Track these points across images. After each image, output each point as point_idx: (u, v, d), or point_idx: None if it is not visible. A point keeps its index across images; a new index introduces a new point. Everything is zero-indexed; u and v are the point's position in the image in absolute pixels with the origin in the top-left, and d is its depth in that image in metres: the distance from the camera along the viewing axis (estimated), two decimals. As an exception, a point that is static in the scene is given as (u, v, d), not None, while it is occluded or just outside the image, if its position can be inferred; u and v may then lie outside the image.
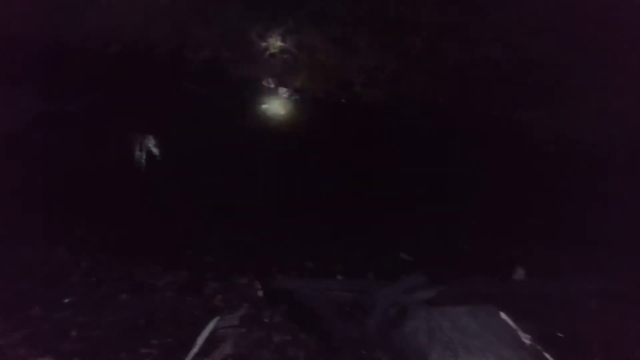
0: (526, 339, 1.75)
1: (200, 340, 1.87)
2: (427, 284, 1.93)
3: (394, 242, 2.46)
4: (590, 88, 3.64)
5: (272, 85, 4.21)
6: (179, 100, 3.99)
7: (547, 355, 1.71)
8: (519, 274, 2.24)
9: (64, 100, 3.43)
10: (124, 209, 2.62)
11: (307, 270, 2.34)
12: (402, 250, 2.48)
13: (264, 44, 4.39)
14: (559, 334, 1.92)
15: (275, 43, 4.36)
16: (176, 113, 3.73)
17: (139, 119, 3.45)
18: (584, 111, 3.51)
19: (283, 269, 2.24)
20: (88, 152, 3.10)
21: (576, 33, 3.78)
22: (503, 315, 1.80)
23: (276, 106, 3.96)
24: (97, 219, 2.54)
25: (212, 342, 1.85)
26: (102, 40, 4.12)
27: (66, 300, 2.06)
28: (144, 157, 3.13)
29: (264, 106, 4.07)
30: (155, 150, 3.16)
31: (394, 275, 2.12)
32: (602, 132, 3.41)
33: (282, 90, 4.15)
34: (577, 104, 3.57)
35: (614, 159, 3.24)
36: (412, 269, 2.14)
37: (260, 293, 2.13)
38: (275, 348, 1.82)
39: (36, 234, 2.39)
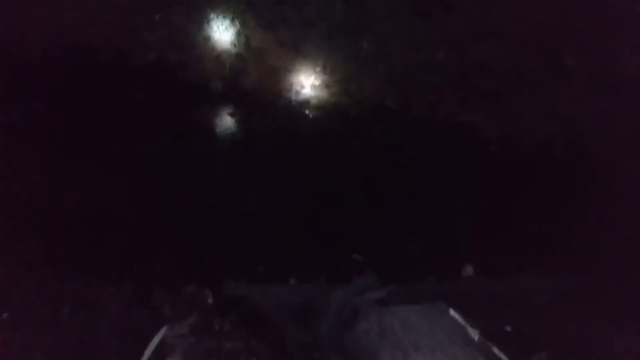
0: (475, 334, 1.78)
1: (148, 351, 1.79)
2: (378, 284, 1.94)
3: (345, 244, 2.47)
4: (533, 90, 3.79)
5: (220, 88, 4.13)
6: (123, 106, 3.86)
7: (495, 350, 1.75)
8: (468, 271, 2.29)
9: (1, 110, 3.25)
10: (65, 221, 2.49)
11: (258, 275, 2.30)
12: (353, 251, 2.48)
13: (211, 47, 4.32)
14: (507, 329, 1.98)
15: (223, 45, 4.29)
16: (121, 119, 3.60)
17: (82, 126, 3.30)
18: (527, 113, 3.66)
19: (233, 276, 2.19)
20: (27, 163, 2.93)
21: (520, 35, 3.94)
22: (452, 312, 1.83)
23: (225, 110, 3.89)
24: (38, 233, 2.40)
25: (161, 352, 1.79)
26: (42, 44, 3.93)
27: (4, 316, 1.93)
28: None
29: (212, 110, 3.99)
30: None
31: (346, 277, 2.12)
32: (544, 132, 3.56)
33: (231, 93, 4.09)
34: (520, 105, 3.71)
35: (557, 158, 3.38)
36: (363, 269, 2.16)
37: (210, 300, 2.07)
38: (226, 356, 1.77)
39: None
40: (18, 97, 3.47)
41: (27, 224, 2.45)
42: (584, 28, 3.85)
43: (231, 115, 3.89)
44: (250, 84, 4.15)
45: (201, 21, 4.40)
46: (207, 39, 4.37)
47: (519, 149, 3.55)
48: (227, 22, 4.35)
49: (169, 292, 2.09)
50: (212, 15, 4.42)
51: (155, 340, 1.83)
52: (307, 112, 3.96)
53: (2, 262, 2.20)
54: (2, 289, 2.06)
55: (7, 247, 2.28)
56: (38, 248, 2.33)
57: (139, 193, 2.78)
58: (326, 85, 4.11)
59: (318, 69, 4.21)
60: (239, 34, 4.30)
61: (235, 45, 4.30)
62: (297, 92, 4.08)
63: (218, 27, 4.37)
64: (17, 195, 2.61)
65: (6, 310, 1.95)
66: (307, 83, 4.13)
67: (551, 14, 3.95)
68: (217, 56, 4.28)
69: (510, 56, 3.93)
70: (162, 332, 1.86)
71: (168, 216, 2.58)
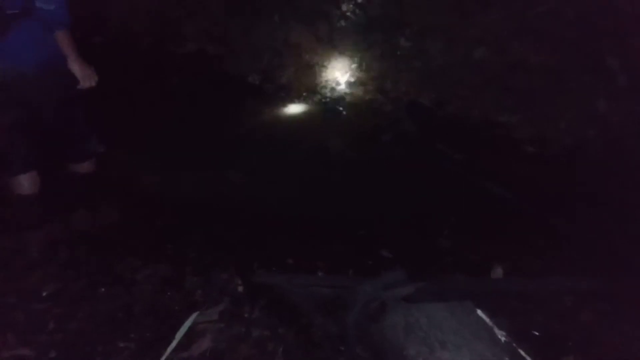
0: (502, 335, 1.78)
1: (179, 335, 1.86)
2: (407, 280, 1.95)
3: (375, 240, 2.48)
4: (570, 90, 3.70)
5: (257, 82, 4.20)
6: (162, 94, 3.96)
7: (522, 352, 1.74)
8: (497, 272, 2.28)
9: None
10: (102, 202, 2.59)
11: (288, 266, 2.34)
12: (382, 247, 2.49)
13: (249, 40, 4.39)
14: (535, 332, 1.96)
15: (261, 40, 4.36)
16: (159, 107, 3.70)
17: (121, 110, 3.41)
18: (564, 113, 3.58)
19: (264, 265, 2.24)
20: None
21: (560, 34, 3.85)
22: (480, 312, 1.82)
23: (261, 103, 3.95)
24: (75, 211, 2.50)
25: (191, 336, 1.85)
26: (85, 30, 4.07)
27: (44, 294, 2.03)
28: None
29: (249, 102, 4.06)
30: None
31: (374, 272, 2.14)
32: (581, 133, 3.48)
33: (267, 87, 4.15)
34: (558, 105, 3.63)
35: (591, 160, 3.30)
36: (392, 265, 2.17)
37: (240, 288, 2.12)
38: (254, 343, 1.82)
39: (12, 224, 2.34)
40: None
41: (68, 200, 2.53)
42: (626, 27, 3.72)
43: (267, 107, 3.95)
44: (286, 78, 4.20)
45: (240, 15, 4.48)
46: (245, 32, 4.44)
47: (554, 150, 3.47)
48: (265, 17, 4.41)
49: (201, 278, 2.15)
50: (250, 10, 4.49)
51: (187, 324, 1.89)
52: (341, 108, 3.98)
53: (39, 238, 2.28)
54: (41, 264, 2.15)
55: (46, 225, 2.36)
56: (75, 227, 2.41)
57: (174, 179, 2.87)
58: (361, 82, 4.12)
59: (354, 65, 4.22)
60: (277, 28, 4.36)
61: (273, 40, 4.36)
62: (333, 89, 4.11)
63: (256, 21, 4.43)
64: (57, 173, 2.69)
65: (46, 286, 2.04)
66: (342, 80, 4.15)
67: (592, 13, 3.84)
68: (255, 50, 4.35)
69: (548, 55, 3.85)
70: (193, 317, 1.92)
71: (204, 204, 2.65)
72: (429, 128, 3.68)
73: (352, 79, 4.16)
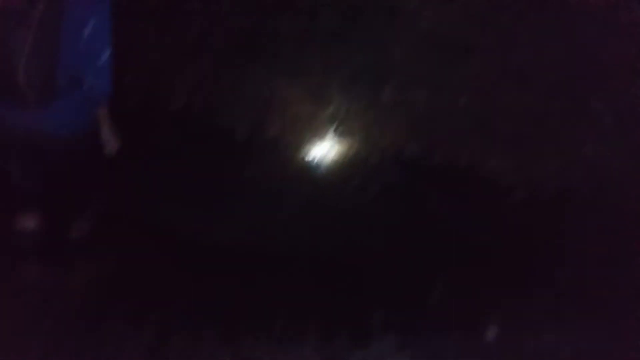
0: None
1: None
2: (398, 348, 1.89)
3: (365, 302, 2.43)
4: (556, 135, 3.73)
5: (245, 136, 4.20)
6: (149, 150, 3.94)
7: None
8: (492, 333, 2.22)
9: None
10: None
11: (276, 330, 2.28)
12: (373, 304, 2.44)
13: (235, 94, 4.42)
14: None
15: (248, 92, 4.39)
16: (146, 163, 3.68)
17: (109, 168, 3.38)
18: (552, 157, 3.59)
19: (251, 333, 2.18)
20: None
21: (543, 78, 3.91)
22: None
23: (249, 157, 3.94)
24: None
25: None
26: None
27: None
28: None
29: (235, 156, 4.05)
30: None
31: (365, 338, 2.08)
32: (570, 178, 3.48)
33: (255, 141, 4.15)
34: (545, 150, 3.65)
35: (580, 205, 3.29)
36: (383, 331, 2.11)
37: (227, 360, 2.05)
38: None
39: None
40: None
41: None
42: (610, 69, 3.79)
43: (253, 162, 3.94)
44: (274, 132, 4.21)
45: (228, 69, 4.53)
46: (234, 86, 4.48)
47: (543, 196, 3.46)
48: (254, 71, 4.46)
49: (184, 348, 2.09)
50: (239, 63, 4.55)
51: None
52: (328, 160, 3.98)
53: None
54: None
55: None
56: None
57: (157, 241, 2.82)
58: (349, 133, 4.13)
59: (341, 116, 4.25)
60: (265, 82, 4.40)
61: (261, 93, 4.39)
62: (321, 141, 4.12)
63: (245, 75, 4.48)
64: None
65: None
66: (330, 131, 4.17)
67: (575, 56, 3.91)
68: (243, 104, 4.38)
69: (532, 100, 3.89)
70: None
71: (186, 268, 2.60)
72: (417, 178, 3.67)
73: (340, 130, 4.18)
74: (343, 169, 3.81)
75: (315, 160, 3.97)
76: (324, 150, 4.05)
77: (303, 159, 3.97)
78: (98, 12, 2.15)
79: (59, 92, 2.17)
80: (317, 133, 4.19)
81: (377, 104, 4.27)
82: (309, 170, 3.82)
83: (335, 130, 4.20)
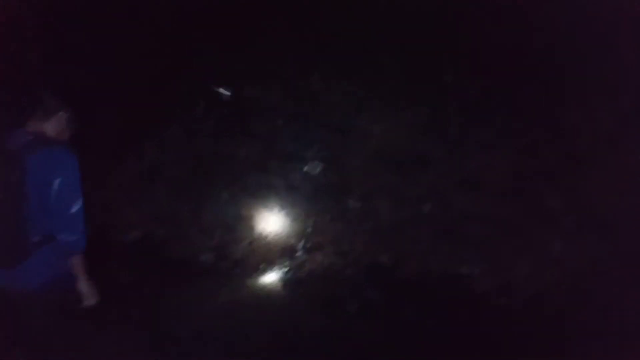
0: None
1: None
2: None
3: None
4: (522, 236, 3.84)
5: (211, 261, 4.07)
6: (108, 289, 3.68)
7: None
8: None
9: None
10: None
11: None
12: None
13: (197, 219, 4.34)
14: None
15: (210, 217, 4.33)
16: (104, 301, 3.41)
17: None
18: (521, 260, 3.66)
19: None
20: None
21: (498, 183, 4.11)
22: None
23: (216, 283, 3.77)
24: None
25: None
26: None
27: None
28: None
29: (203, 282, 3.87)
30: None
31: None
32: (541, 280, 3.54)
33: (221, 265, 4.01)
34: (513, 253, 3.73)
35: (556, 306, 3.31)
36: None
37: None
38: None
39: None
40: None
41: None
42: (564, 167, 4.01)
43: (222, 288, 3.76)
44: (241, 252, 4.11)
45: (187, 195, 4.49)
46: (193, 212, 4.41)
47: (518, 299, 3.48)
48: (213, 195, 4.44)
49: None
50: (197, 189, 4.53)
51: None
52: (300, 275, 3.88)
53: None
54: None
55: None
56: None
57: None
58: (318, 246, 4.09)
59: (309, 230, 4.23)
60: (227, 204, 4.37)
61: (223, 216, 4.34)
62: (290, 256, 4.04)
63: (204, 201, 4.44)
64: None
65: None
66: (299, 246, 4.11)
67: (525, 160, 4.17)
68: (205, 228, 4.29)
69: (492, 205, 4.06)
70: None
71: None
72: (391, 292, 3.61)
73: (309, 245, 4.13)
74: (317, 286, 3.70)
75: (287, 280, 3.85)
76: (295, 266, 3.96)
77: (274, 279, 3.85)
78: (65, 167, 2.17)
79: (30, 249, 2.15)
80: (286, 249, 4.11)
81: (342, 216, 4.31)
82: (281, 290, 3.70)
83: (305, 245, 4.15)
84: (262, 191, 4.51)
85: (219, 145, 4.77)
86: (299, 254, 4.08)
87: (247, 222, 4.35)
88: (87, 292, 2.26)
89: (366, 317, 3.38)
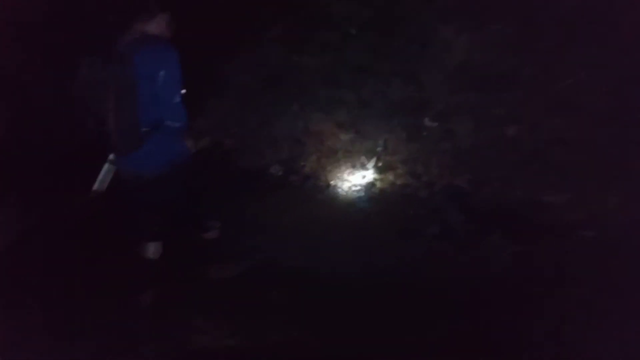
0: None
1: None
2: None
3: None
4: (614, 164, 3.51)
5: (280, 173, 3.99)
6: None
7: None
8: None
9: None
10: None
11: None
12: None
13: (268, 131, 4.22)
14: None
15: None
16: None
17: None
18: (613, 189, 3.36)
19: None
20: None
21: (590, 108, 3.73)
22: None
23: (288, 196, 3.71)
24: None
25: None
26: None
27: None
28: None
29: (272, 194, 3.82)
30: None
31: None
32: (635, 211, 3.25)
33: (292, 178, 3.93)
34: (604, 181, 3.43)
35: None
36: None
37: None
38: None
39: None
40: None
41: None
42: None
43: (293, 202, 3.70)
44: (310, 168, 4.00)
45: (257, 105, 4.35)
46: (263, 124, 4.29)
47: (611, 233, 3.21)
48: (282, 107, 4.28)
49: None
50: (266, 101, 4.37)
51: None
52: (372, 195, 3.74)
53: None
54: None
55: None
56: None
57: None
58: (390, 166, 3.92)
59: (379, 149, 4.04)
60: (296, 117, 4.21)
61: (292, 129, 4.20)
62: (361, 175, 3.90)
63: (273, 112, 4.29)
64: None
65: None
66: (369, 165, 3.95)
67: (625, 82, 3.74)
68: (274, 141, 4.18)
69: (584, 129, 3.70)
70: None
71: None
72: (469, 217, 3.43)
73: (380, 164, 3.96)
74: (391, 206, 3.57)
75: (359, 198, 3.74)
76: (365, 186, 3.82)
77: (346, 195, 3.75)
78: (168, 61, 2.42)
79: (143, 137, 2.47)
80: (356, 167, 3.97)
81: (417, 135, 4.08)
82: (355, 209, 3.59)
83: (376, 164, 3.98)
84: (332, 105, 4.32)
85: (288, 55, 4.55)
86: (369, 172, 3.93)
87: (316, 137, 4.21)
88: (192, 147, 2.81)
89: (449, 240, 3.24)
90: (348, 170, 3.95)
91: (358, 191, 3.77)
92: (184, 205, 2.94)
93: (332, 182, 3.87)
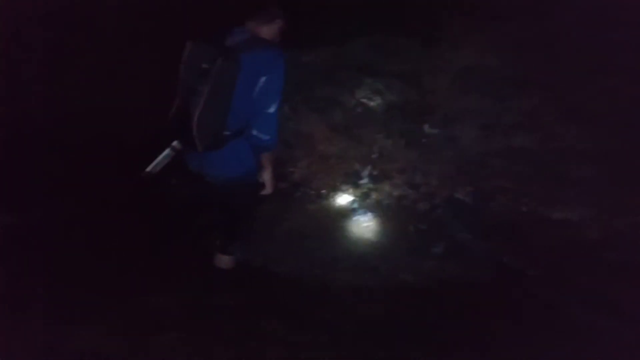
0: None
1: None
2: None
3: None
4: (631, 178, 3.20)
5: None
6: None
7: None
8: None
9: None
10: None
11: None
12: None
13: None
14: None
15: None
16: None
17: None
18: (632, 206, 3.04)
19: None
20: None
21: (607, 119, 3.42)
22: None
23: (277, 205, 3.36)
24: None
25: None
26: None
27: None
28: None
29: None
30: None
31: None
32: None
33: (280, 185, 3.59)
34: (621, 197, 3.11)
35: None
36: None
37: None
38: None
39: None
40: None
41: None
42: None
43: (283, 211, 3.37)
44: (299, 174, 3.67)
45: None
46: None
47: (626, 253, 2.89)
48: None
49: None
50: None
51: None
52: (365, 206, 3.42)
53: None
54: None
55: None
56: None
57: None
58: (386, 175, 3.59)
59: (375, 156, 3.71)
60: (286, 118, 3.88)
61: (282, 131, 3.86)
62: (355, 184, 3.56)
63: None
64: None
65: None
66: (364, 173, 3.62)
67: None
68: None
69: (599, 139, 3.39)
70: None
71: None
72: (472, 232, 3.11)
73: (375, 172, 3.64)
74: (389, 220, 3.24)
75: (352, 209, 3.41)
76: (360, 196, 3.49)
77: (338, 206, 3.42)
78: (273, 68, 2.26)
79: (223, 141, 2.31)
80: (350, 175, 3.64)
81: (416, 142, 3.75)
82: (342, 221, 3.27)
83: (371, 172, 3.66)
84: (326, 106, 3.99)
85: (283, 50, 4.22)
86: (364, 181, 3.60)
87: (307, 140, 3.88)
88: (268, 183, 2.55)
89: (456, 261, 2.92)
90: (341, 179, 3.62)
91: (351, 202, 3.44)
92: (235, 223, 2.80)
93: (323, 191, 3.54)
